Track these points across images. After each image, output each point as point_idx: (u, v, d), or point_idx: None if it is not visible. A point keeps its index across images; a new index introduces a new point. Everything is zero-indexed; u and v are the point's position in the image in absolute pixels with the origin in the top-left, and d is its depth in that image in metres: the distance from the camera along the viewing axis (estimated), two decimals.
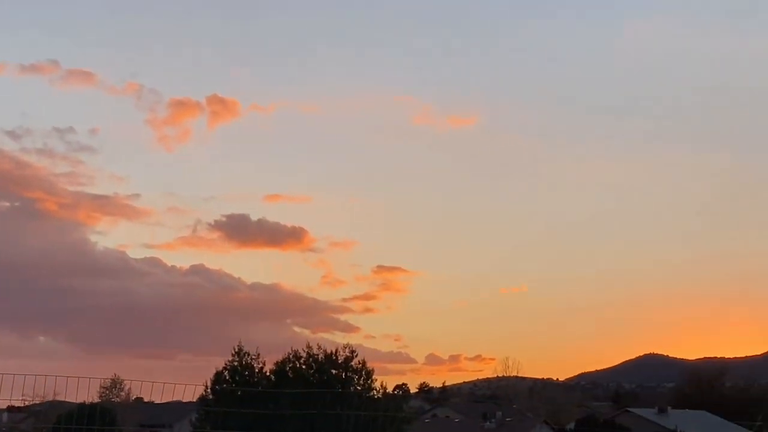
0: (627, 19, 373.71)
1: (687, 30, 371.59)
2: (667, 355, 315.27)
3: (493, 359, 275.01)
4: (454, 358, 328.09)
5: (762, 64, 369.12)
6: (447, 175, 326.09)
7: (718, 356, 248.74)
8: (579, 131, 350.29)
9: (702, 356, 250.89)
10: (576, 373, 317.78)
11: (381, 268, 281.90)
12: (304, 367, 61.90)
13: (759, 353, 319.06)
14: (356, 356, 62.00)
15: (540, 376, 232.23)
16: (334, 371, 61.27)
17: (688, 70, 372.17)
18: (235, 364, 62.86)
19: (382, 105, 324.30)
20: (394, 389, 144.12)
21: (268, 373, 63.08)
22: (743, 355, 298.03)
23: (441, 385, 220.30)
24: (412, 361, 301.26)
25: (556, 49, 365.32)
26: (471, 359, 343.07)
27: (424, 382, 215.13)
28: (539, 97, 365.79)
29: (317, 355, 62.07)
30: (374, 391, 62.37)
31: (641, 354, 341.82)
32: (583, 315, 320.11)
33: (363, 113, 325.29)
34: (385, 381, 72.04)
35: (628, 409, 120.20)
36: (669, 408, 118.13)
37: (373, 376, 62.55)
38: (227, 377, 62.35)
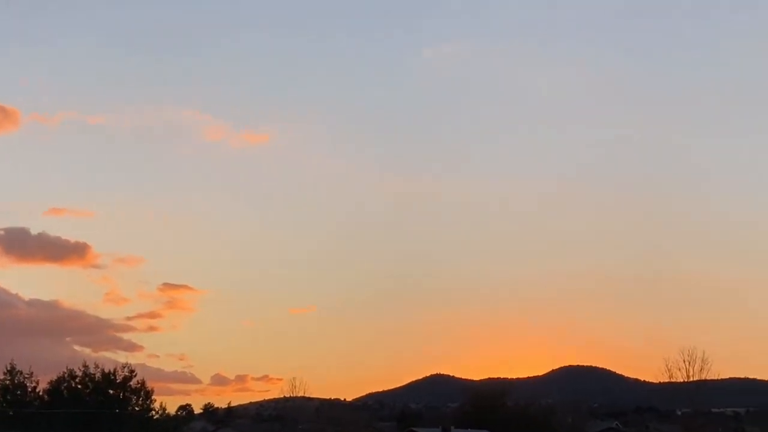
0: (424, 45, 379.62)
1: (483, 55, 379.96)
2: (453, 376, 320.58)
3: (280, 379, 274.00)
4: (241, 378, 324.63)
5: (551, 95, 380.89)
6: (237, 191, 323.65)
7: (502, 377, 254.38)
8: (366, 148, 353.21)
9: (486, 377, 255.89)
10: (364, 393, 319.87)
11: (167, 286, 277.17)
12: (80, 386, 60.05)
13: (540, 373, 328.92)
14: (135, 376, 60.63)
15: (327, 396, 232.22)
16: (111, 391, 59.66)
17: (483, 95, 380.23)
18: (7, 383, 60.51)
19: (172, 119, 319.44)
20: (177, 410, 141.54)
21: (41, 393, 60.94)
22: (525, 376, 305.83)
23: (226, 406, 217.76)
24: (197, 381, 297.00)
25: (354, 70, 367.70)
26: (258, 379, 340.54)
27: (208, 403, 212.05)
28: (332, 116, 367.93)
29: (94, 374, 60.30)
30: (153, 412, 61.10)
31: (428, 374, 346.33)
32: (372, 335, 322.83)
33: (152, 127, 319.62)
34: (168, 401, 70.82)
35: (413, 428, 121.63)
36: (452, 427, 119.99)
37: (153, 397, 61.30)
38: None
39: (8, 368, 61.06)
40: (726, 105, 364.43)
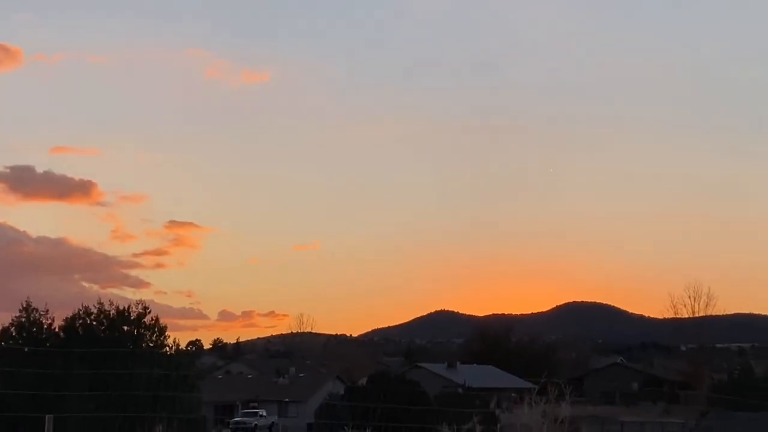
0: None
1: None
2: (458, 312, 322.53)
3: (287, 315, 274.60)
4: (248, 315, 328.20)
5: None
6: (240, 130, 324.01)
7: (506, 313, 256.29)
8: (371, 89, 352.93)
9: (490, 313, 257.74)
10: (369, 329, 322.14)
11: (173, 223, 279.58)
12: (95, 323, 60.57)
13: (544, 310, 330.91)
14: (149, 312, 61.13)
15: (334, 332, 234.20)
16: (125, 328, 60.21)
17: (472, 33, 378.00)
18: (23, 320, 61.02)
19: (174, 57, 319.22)
20: (186, 346, 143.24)
21: (57, 330, 61.45)
22: (529, 312, 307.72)
23: (235, 341, 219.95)
24: (205, 317, 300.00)
25: (355, 7, 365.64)
26: (264, 315, 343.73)
27: (217, 338, 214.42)
28: (333, 56, 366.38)
29: (109, 311, 60.76)
30: (166, 348, 61.67)
31: (432, 310, 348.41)
32: (377, 272, 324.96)
33: (153, 65, 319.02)
34: (178, 337, 71.40)
35: (419, 364, 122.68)
36: (458, 363, 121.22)
37: (166, 333, 61.84)
38: (14, 333, 60.50)
39: (24, 305, 61.30)
40: None
